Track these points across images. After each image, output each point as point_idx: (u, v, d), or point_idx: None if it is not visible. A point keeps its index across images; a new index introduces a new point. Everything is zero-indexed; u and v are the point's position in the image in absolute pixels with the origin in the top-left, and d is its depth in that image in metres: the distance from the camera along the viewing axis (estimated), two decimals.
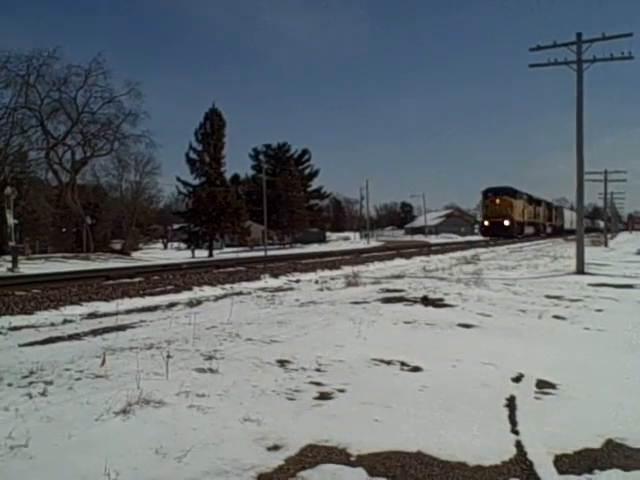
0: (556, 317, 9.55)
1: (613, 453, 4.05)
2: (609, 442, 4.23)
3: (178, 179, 65.58)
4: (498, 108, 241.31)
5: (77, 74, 46.92)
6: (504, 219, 62.33)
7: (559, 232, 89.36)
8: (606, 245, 43.94)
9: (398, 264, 22.42)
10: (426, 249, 33.77)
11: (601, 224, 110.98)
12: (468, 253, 28.04)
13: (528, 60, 19.93)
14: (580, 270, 18.56)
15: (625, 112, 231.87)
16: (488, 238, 61.09)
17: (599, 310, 10.46)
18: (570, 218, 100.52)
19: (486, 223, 65.14)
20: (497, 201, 63.22)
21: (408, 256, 26.18)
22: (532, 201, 73.57)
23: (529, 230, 70.28)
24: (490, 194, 64.67)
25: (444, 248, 34.40)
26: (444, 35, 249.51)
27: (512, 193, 64.77)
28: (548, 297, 11.86)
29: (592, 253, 26.94)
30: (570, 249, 25.76)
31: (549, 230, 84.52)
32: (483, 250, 33.09)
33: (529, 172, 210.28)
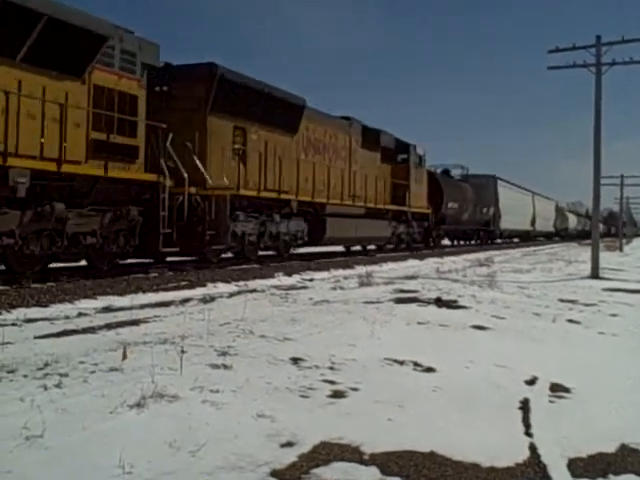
0: (570, 321, 9.50)
1: (627, 458, 4.02)
2: (623, 447, 4.20)
3: None
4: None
5: None
6: None
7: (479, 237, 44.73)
8: (621, 250, 43.60)
9: (411, 265, 22.33)
10: (438, 250, 33.61)
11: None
12: (481, 255, 27.94)
13: (547, 62, 19.95)
14: (595, 275, 18.44)
15: None
16: None
17: (614, 315, 10.39)
18: (524, 208, 54.90)
19: None
20: None
21: (421, 257, 26.07)
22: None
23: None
24: None
25: (457, 250, 34.29)
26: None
27: None
28: (562, 301, 11.79)
29: (607, 258, 26.76)
30: (585, 253, 25.60)
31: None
32: (496, 253, 32.97)
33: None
